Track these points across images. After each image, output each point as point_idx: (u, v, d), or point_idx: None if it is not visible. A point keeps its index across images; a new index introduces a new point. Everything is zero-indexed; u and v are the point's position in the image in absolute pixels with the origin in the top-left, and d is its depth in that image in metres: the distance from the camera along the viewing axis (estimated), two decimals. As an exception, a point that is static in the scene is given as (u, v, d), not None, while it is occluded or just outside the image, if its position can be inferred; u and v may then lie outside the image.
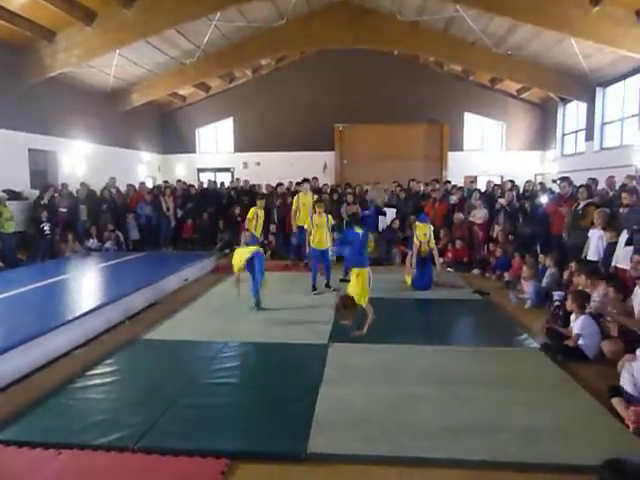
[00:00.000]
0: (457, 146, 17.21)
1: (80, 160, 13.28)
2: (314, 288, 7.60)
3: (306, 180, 9.87)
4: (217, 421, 3.49)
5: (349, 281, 8.47)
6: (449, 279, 8.58)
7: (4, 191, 9.76)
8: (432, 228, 8.17)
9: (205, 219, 12.62)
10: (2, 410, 3.65)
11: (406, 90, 16.79)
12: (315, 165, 16.68)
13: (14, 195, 10.20)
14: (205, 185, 14.48)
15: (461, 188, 11.87)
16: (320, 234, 7.67)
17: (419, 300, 7.31)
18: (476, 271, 9.44)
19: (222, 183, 14.55)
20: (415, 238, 7.91)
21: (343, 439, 3.25)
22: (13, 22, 9.66)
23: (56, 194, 10.98)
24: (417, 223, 8.16)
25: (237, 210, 12.20)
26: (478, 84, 16.82)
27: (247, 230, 9.44)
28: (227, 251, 11.75)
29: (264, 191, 12.94)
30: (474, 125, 17.56)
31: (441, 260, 9.89)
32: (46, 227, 9.95)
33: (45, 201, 10.15)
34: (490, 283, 8.48)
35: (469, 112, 17.31)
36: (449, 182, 12.41)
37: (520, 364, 4.66)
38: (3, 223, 9.25)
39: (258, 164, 17.52)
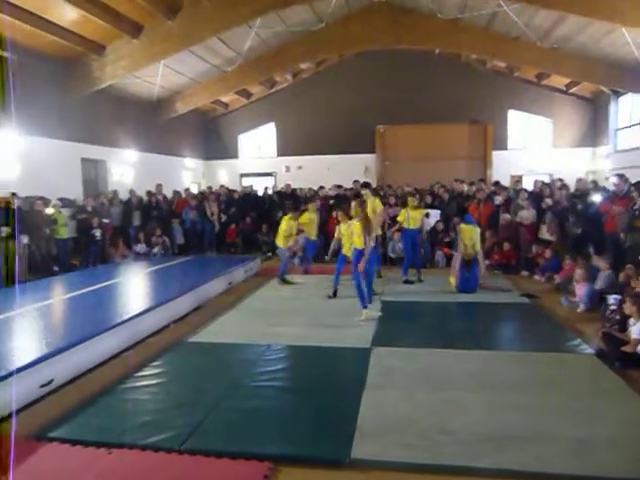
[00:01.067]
0: (501, 145, 16.76)
1: (128, 168, 13.77)
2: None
3: (366, 185, 9.34)
4: (260, 424, 3.51)
5: (412, 282, 8.43)
6: (495, 282, 8.34)
7: (59, 199, 10.23)
8: (478, 230, 7.93)
9: (248, 223, 12.80)
10: (56, 409, 3.80)
11: (448, 89, 16.50)
12: (356, 167, 16.62)
13: (68, 203, 10.67)
14: (247, 190, 14.69)
15: (506, 188, 11.53)
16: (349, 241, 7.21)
17: (464, 304, 7.13)
18: (524, 273, 9.14)
19: (265, 188, 14.73)
20: (460, 241, 7.71)
21: (386, 445, 3.19)
22: (65, 38, 10.14)
23: (104, 201, 11.43)
24: (462, 225, 7.95)
25: (279, 214, 12.29)
26: (523, 80, 16.32)
27: (302, 231, 9.40)
28: (270, 254, 11.88)
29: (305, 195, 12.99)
30: (519, 123, 17.05)
31: (487, 262, 9.67)
32: (97, 233, 10.35)
33: (90, 208, 10.54)
34: (539, 286, 8.19)
35: (514, 109, 16.82)
36: (498, 183, 12.00)
37: (573, 370, 4.46)
38: (58, 229, 9.70)
39: (300, 168, 17.63)
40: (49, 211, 9.60)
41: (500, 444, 3.17)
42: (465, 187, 11.96)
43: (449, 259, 9.74)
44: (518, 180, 15.76)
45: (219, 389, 4.10)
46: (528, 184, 12.83)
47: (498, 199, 10.72)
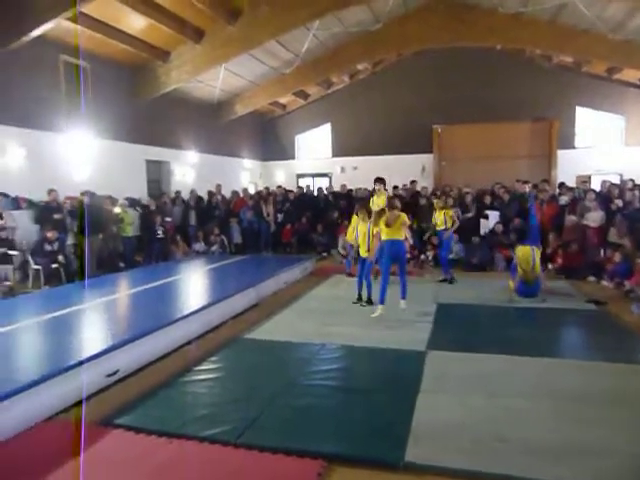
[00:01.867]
0: (568, 143, 16.00)
1: (190, 169, 14.27)
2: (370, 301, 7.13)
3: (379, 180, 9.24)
4: (314, 422, 3.53)
5: (451, 282, 8.29)
6: (559, 287, 7.97)
7: (125, 198, 10.76)
8: (538, 251, 7.25)
9: (303, 223, 12.93)
10: (121, 398, 4.00)
11: (509, 86, 15.96)
12: (413, 168, 16.39)
13: (133, 202, 11.20)
14: (303, 190, 14.83)
15: (572, 188, 11.00)
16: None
17: (524, 309, 6.87)
18: (591, 278, 8.68)
19: (319, 188, 14.82)
20: (518, 266, 7.10)
21: (440, 450, 3.13)
22: (133, 45, 10.67)
23: (167, 200, 11.90)
24: (519, 247, 7.40)
25: (335, 214, 12.36)
26: (592, 75, 15.50)
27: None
28: (325, 255, 11.94)
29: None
30: (587, 120, 16.21)
31: (550, 266, 9.27)
32: (159, 231, 10.79)
33: (153, 208, 10.99)
34: (607, 292, 7.75)
35: (581, 106, 16.02)
36: (563, 184, 11.43)
37: (643, 383, 4.19)
38: (125, 227, 10.20)
39: (355, 168, 17.61)
40: (116, 210, 10.11)
41: (558, 456, 3.03)
42: (527, 188, 11.50)
43: (509, 262, 9.42)
44: (585, 180, 14.99)
45: (274, 386, 4.17)
46: (596, 184, 12.17)
47: (563, 199, 10.26)
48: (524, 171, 14.76)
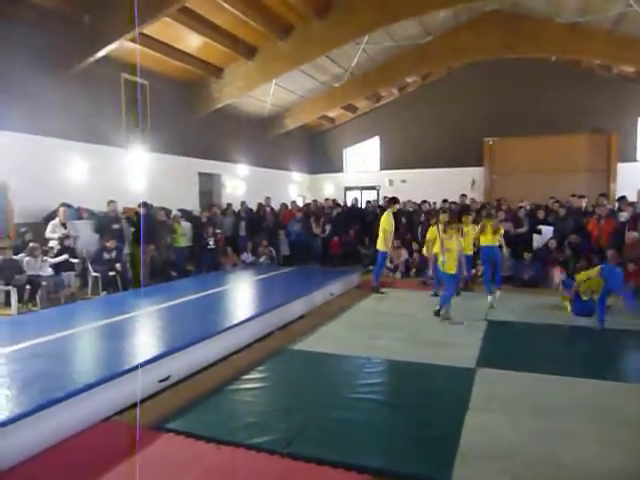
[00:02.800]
0: (629, 156, 15.31)
1: (240, 181, 14.63)
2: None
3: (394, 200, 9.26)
4: (360, 436, 3.52)
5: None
6: (619, 307, 7.58)
7: (178, 210, 11.14)
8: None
9: (350, 236, 12.94)
10: (172, 403, 4.12)
11: (565, 98, 15.47)
12: (463, 181, 16.12)
13: (186, 214, 11.57)
14: (350, 203, 14.87)
15: (632, 203, 10.48)
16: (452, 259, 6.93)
17: (578, 327, 6.57)
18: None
19: (367, 201, 14.79)
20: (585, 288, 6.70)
21: (490, 472, 3.04)
22: (189, 62, 11.13)
23: (217, 212, 12.23)
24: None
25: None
26: (655, 85, 14.81)
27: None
28: (371, 267, 11.88)
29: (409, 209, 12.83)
30: (650, 132, 15.47)
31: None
32: (210, 242, 11.08)
33: (204, 219, 11.30)
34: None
35: (644, 118, 15.31)
36: (623, 197, 10.88)
37: None
38: (177, 238, 10.55)
39: (404, 181, 17.52)
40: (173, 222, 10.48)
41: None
42: (584, 202, 11.04)
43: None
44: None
45: (320, 397, 4.18)
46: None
47: (623, 215, 9.79)
48: (581, 185, 14.23)
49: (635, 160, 15.38)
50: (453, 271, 6.87)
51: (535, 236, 10.32)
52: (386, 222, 8.99)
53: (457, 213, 9.24)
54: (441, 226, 7.79)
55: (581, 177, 15.28)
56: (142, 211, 9.30)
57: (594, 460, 3.16)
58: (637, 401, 4.12)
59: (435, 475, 3.02)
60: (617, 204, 10.71)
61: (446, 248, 6.89)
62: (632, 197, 12.71)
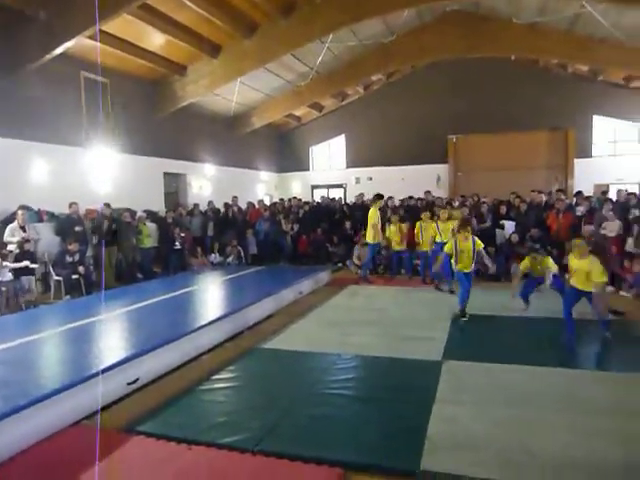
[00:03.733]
0: (584, 153, 15.89)
1: (206, 181, 14.47)
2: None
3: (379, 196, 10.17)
4: (331, 431, 3.56)
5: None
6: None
7: (144, 211, 10.94)
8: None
9: (319, 234, 12.98)
10: (142, 405, 4.07)
11: (524, 96, 15.94)
12: (428, 178, 16.41)
13: (152, 215, 11.38)
14: (318, 201, 14.93)
15: (588, 198, 10.89)
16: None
17: (542, 319, 6.78)
18: (609, 288, 8.56)
19: (332, 199, 14.86)
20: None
21: (458, 460, 3.12)
22: (152, 61, 10.94)
23: (183, 212, 12.07)
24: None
25: (348, 224, 12.40)
26: (609, 83, 15.41)
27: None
28: (340, 265, 11.97)
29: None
30: (604, 129, 16.08)
31: (567, 276, 9.17)
32: (177, 243, 10.94)
33: (170, 220, 11.14)
34: (626, 302, 7.64)
35: (598, 115, 15.91)
36: (579, 193, 11.29)
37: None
38: (143, 239, 10.36)
39: (370, 179, 17.69)
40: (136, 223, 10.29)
41: (588, 473, 2.98)
42: (544, 197, 11.42)
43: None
44: (605, 190, 14.82)
45: (291, 395, 4.20)
46: (615, 194, 12.03)
47: (580, 210, 10.16)
48: (540, 181, 14.71)
49: (590, 156, 15.98)
50: (469, 269, 7.01)
51: (498, 231, 10.59)
52: (372, 217, 9.73)
53: (468, 215, 9.96)
54: (450, 224, 8.59)
55: (541, 173, 15.78)
56: (105, 212, 9.11)
57: (563, 447, 3.27)
58: (595, 387, 4.30)
59: (404, 466, 3.09)
60: (574, 199, 11.12)
61: (460, 249, 6.98)
62: (589, 192, 13.20)
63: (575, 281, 5.84)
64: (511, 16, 12.17)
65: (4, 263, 7.65)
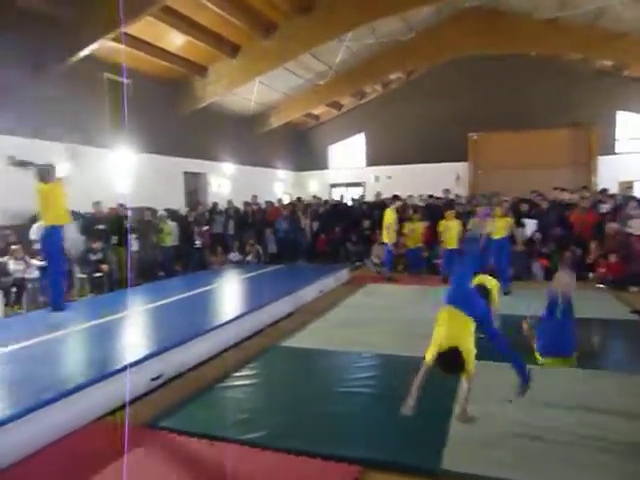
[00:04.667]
0: (608, 149, 15.55)
1: (225, 180, 14.60)
2: None
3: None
4: (351, 428, 3.58)
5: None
6: (601, 297, 7.73)
7: (164, 210, 11.10)
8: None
9: (337, 233, 12.99)
10: (165, 401, 4.16)
11: (545, 93, 15.69)
12: (448, 176, 16.26)
13: (172, 213, 11.53)
14: (337, 200, 14.94)
15: (613, 195, 10.69)
16: None
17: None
18: (633, 289, 8.41)
19: (352, 198, 14.87)
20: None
21: (480, 460, 3.12)
22: (172, 62, 11.07)
23: (205, 212, 12.20)
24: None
25: (367, 223, 12.38)
26: (634, 79, 15.05)
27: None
28: (358, 264, 11.97)
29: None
30: (630, 125, 15.71)
31: (591, 275, 9.06)
32: (197, 241, 11.07)
33: (192, 218, 11.28)
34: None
35: (623, 110, 15.56)
36: (604, 190, 11.04)
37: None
38: (164, 238, 10.51)
39: (389, 177, 17.61)
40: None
41: (616, 475, 2.95)
42: (567, 195, 11.24)
43: (547, 271, 9.26)
44: (629, 187, 14.53)
45: (310, 392, 4.24)
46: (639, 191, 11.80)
47: (604, 207, 9.99)
48: (563, 178, 14.43)
49: (614, 153, 15.66)
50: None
51: (519, 230, 10.46)
52: (388, 218, 10.00)
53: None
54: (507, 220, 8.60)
55: (563, 171, 15.50)
56: (127, 212, 9.26)
57: (582, 448, 3.24)
58: (619, 389, 4.22)
59: (425, 464, 3.10)
60: (599, 197, 10.93)
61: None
62: (613, 189, 12.97)
63: None
64: (531, 11, 11.99)
65: (31, 261, 7.84)
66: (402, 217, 10.65)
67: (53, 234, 5.74)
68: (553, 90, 15.64)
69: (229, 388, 4.42)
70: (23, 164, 6.44)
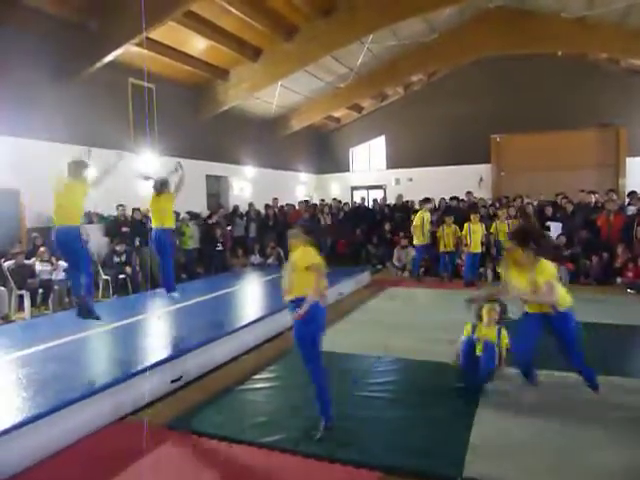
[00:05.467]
0: (638, 151, 15.13)
1: (247, 183, 14.68)
2: None
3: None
4: (371, 433, 3.54)
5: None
6: (630, 302, 7.52)
7: (187, 213, 11.21)
8: None
9: (358, 236, 12.94)
10: (185, 403, 4.17)
11: (572, 93, 15.35)
12: (470, 179, 16.05)
13: (194, 216, 11.64)
14: (358, 203, 14.89)
15: (642, 198, 10.38)
16: None
17: (584, 323, 6.48)
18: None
19: (374, 200, 14.81)
20: None
21: (502, 468, 3.05)
22: (195, 66, 11.20)
23: (225, 214, 12.28)
24: None
25: (388, 226, 12.30)
26: (664, 78, 14.65)
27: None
28: (380, 267, 11.89)
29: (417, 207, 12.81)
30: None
31: (619, 280, 8.84)
32: (219, 244, 11.14)
33: (214, 220, 11.35)
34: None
35: (653, 111, 15.14)
36: (633, 192, 10.71)
37: None
38: (186, 240, 10.62)
39: (410, 180, 17.49)
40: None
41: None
42: (593, 198, 10.97)
43: (573, 274, 9.07)
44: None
45: (331, 396, 4.19)
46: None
47: (631, 209, 9.72)
48: (590, 181, 14.09)
49: (644, 154, 15.24)
50: None
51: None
52: (417, 219, 10.17)
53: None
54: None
55: (590, 172, 15.15)
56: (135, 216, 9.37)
57: (612, 458, 3.13)
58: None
59: (446, 471, 3.04)
60: (627, 199, 10.63)
61: None
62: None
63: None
64: (558, 10, 11.76)
65: (58, 262, 7.99)
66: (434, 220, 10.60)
67: (162, 234, 6.35)
68: (580, 90, 15.31)
69: (249, 391, 4.42)
70: (147, 178, 7.46)
